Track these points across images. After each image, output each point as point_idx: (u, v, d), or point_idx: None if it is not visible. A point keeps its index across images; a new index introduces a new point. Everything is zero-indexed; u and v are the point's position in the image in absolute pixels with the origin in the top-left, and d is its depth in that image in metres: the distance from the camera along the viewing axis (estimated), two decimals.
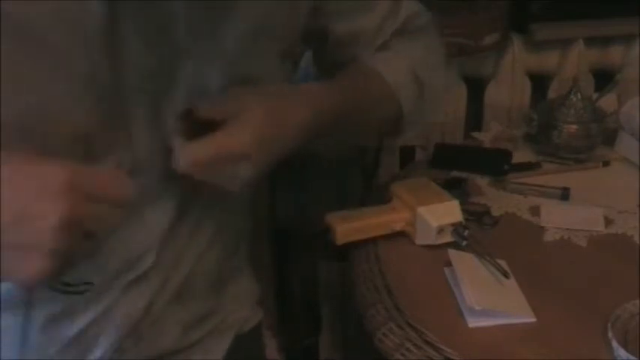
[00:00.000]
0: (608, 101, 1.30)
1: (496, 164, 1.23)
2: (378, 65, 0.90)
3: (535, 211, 1.12)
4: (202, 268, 0.81)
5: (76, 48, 0.63)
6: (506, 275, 0.94)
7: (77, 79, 0.64)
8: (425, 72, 0.93)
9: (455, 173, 1.21)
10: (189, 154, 0.69)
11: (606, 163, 1.25)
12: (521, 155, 1.27)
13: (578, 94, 1.26)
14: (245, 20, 0.72)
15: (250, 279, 0.96)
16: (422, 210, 1.00)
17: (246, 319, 0.93)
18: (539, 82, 1.58)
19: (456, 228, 1.00)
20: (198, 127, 0.70)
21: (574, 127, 1.25)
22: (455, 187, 1.12)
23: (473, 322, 0.89)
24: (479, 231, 1.05)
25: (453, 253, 0.98)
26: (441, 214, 1.00)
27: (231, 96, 0.72)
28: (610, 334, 0.82)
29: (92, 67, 0.64)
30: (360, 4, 0.88)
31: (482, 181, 1.20)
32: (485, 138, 1.35)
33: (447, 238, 1.00)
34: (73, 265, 0.56)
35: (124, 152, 0.70)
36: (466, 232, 0.99)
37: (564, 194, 1.15)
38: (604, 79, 1.50)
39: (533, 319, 0.89)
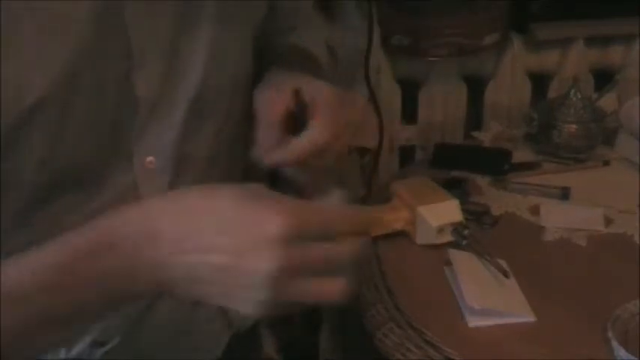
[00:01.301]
0: (608, 101, 1.30)
1: (496, 164, 1.23)
2: (313, 49, 0.92)
3: (535, 210, 1.12)
4: None
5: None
6: (506, 275, 0.94)
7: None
8: (330, 43, 0.97)
9: (455, 173, 1.21)
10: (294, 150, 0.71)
11: (606, 163, 1.25)
12: (521, 155, 1.27)
13: (578, 94, 1.26)
14: None
15: None
16: (422, 210, 1.00)
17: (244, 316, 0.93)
18: (539, 81, 1.59)
19: (456, 227, 1.00)
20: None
21: (574, 126, 1.25)
22: (455, 187, 1.13)
23: (473, 322, 0.89)
24: (479, 230, 1.05)
25: (453, 253, 0.98)
26: (441, 213, 1.00)
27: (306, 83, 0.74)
28: (610, 334, 0.82)
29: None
30: None
31: (482, 181, 1.20)
32: (485, 138, 1.35)
33: (447, 237, 1.00)
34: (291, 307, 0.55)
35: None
36: (466, 232, 0.99)
37: (564, 194, 1.15)
38: (604, 78, 1.51)
39: (533, 319, 0.89)
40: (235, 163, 0.83)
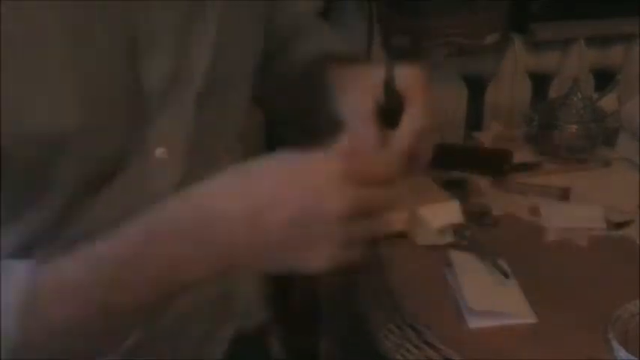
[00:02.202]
0: (608, 101, 1.29)
1: (496, 164, 1.23)
2: (334, 49, 0.90)
3: (535, 211, 1.12)
4: None
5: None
6: (506, 275, 0.94)
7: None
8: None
9: (455, 173, 1.21)
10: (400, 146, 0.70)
11: (607, 163, 1.25)
12: (521, 155, 1.27)
13: (579, 94, 1.26)
14: None
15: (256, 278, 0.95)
16: (422, 210, 1.00)
17: (249, 312, 0.92)
18: (540, 82, 1.58)
19: (457, 228, 1.00)
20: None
21: (574, 127, 1.25)
22: (455, 188, 1.12)
23: (473, 323, 0.89)
24: (479, 231, 1.05)
25: (453, 254, 0.98)
26: (442, 214, 1.00)
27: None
28: (610, 334, 0.82)
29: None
30: None
31: (482, 182, 1.20)
32: (485, 138, 1.35)
33: (448, 238, 1.00)
34: (361, 251, 0.57)
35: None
36: (466, 233, 0.99)
37: (565, 194, 1.15)
38: (604, 78, 1.50)
39: (534, 320, 0.89)
40: (249, 153, 0.83)
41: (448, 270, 0.97)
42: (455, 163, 1.24)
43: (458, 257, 0.98)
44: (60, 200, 0.65)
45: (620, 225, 1.07)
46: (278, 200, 0.55)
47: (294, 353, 1.14)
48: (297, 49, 0.90)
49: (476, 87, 1.57)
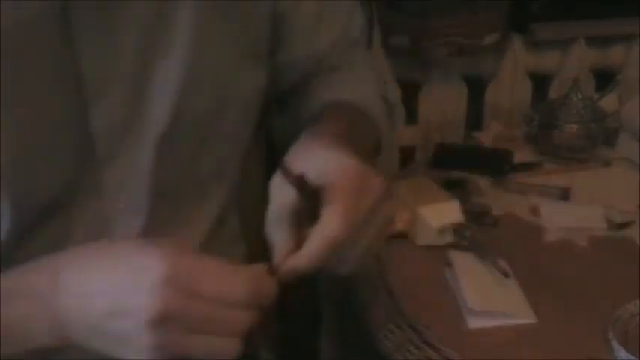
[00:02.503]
0: (608, 101, 1.29)
1: (497, 164, 1.23)
2: (354, 98, 0.82)
3: (535, 211, 1.12)
4: None
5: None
6: (506, 275, 0.94)
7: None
8: (388, 92, 0.88)
9: (455, 173, 1.21)
10: (301, 264, 0.59)
11: (607, 163, 1.25)
12: (521, 155, 1.27)
13: (579, 94, 1.25)
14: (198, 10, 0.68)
15: None
16: (422, 210, 1.00)
17: None
18: (540, 82, 1.58)
19: (457, 228, 1.00)
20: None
21: (574, 127, 1.24)
22: (455, 188, 1.12)
23: (473, 323, 0.89)
24: (479, 231, 1.05)
25: (453, 254, 0.98)
26: (442, 214, 1.00)
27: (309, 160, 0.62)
28: (610, 334, 0.82)
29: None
30: (309, 24, 0.81)
31: (482, 182, 1.20)
32: (485, 138, 1.35)
33: (448, 238, 1.00)
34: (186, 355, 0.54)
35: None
36: (466, 233, 0.99)
37: (565, 194, 1.15)
38: (605, 78, 1.50)
39: (534, 320, 0.89)
40: (223, 188, 0.78)
41: (448, 270, 0.97)
42: (455, 163, 1.24)
43: (458, 257, 0.98)
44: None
45: (620, 225, 1.07)
46: (104, 288, 0.54)
47: (294, 353, 1.14)
48: (312, 92, 0.83)
49: (476, 87, 1.57)
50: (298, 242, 0.60)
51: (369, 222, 0.60)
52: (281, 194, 0.61)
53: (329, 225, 0.58)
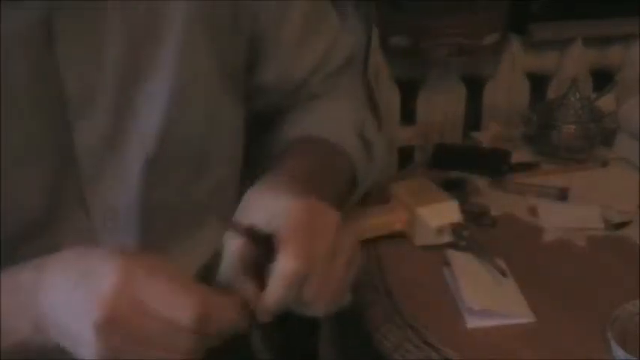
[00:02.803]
0: (606, 101, 1.30)
1: (495, 164, 1.23)
2: (325, 133, 0.79)
3: (534, 211, 1.12)
4: None
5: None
6: (504, 275, 0.94)
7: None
8: (366, 128, 0.84)
9: (454, 173, 1.21)
10: (268, 304, 0.59)
11: (605, 163, 1.25)
12: (520, 155, 1.27)
13: (577, 94, 1.26)
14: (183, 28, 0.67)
15: None
16: (421, 210, 1.00)
17: None
18: (538, 82, 1.58)
19: (455, 228, 1.00)
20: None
21: (573, 127, 1.25)
22: (454, 188, 1.12)
23: (472, 323, 0.89)
24: (478, 231, 1.05)
25: (451, 254, 0.98)
26: (440, 214, 1.00)
27: (257, 207, 0.62)
28: (609, 334, 0.82)
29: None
30: (288, 49, 0.78)
31: (481, 182, 1.20)
32: (484, 138, 1.35)
33: (446, 238, 1.00)
34: None
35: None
36: (465, 233, 0.99)
37: (563, 194, 1.15)
38: (603, 79, 1.51)
39: (532, 320, 0.89)
40: (213, 206, 0.77)
41: (447, 270, 0.97)
42: (453, 163, 1.24)
43: (456, 257, 0.98)
44: None
45: (618, 225, 1.08)
46: (68, 290, 0.55)
47: (292, 354, 1.14)
48: (283, 127, 0.81)
49: (474, 87, 1.57)
50: (261, 288, 0.59)
51: (333, 257, 0.60)
52: (234, 245, 0.61)
53: (285, 263, 0.57)
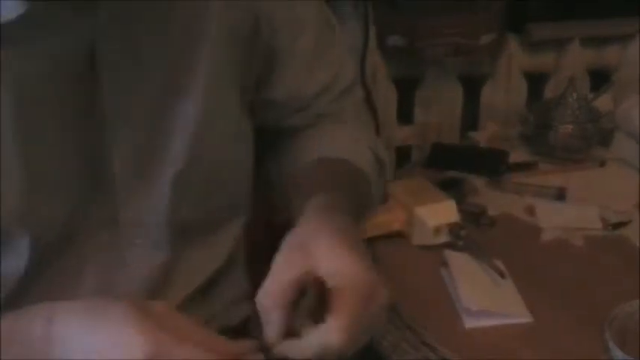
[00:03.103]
0: (603, 101, 1.30)
1: (492, 164, 1.23)
2: (345, 154, 0.79)
3: (531, 211, 1.12)
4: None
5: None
6: (502, 275, 0.94)
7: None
8: (378, 148, 0.84)
9: (451, 173, 1.21)
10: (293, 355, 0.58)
11: (602, 163, 1.25)
12: (517, 155, 1.27)
13: (574, 94, 1.26)
14: (209, 66, 0.68)
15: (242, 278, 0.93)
16: (419, 210, 1.00)
17: (231, 306, 0.90)
18: (536, 81, 1.58)
19: (453, 228, 1.00)
20: None
21: (570, 127, 1.25)
22: (451, 188, 1.13)
23: (470, 323, 0.89)
24: (475, 231, 1.05)
25: (449, 254, 0.98)
26: (438, 214, 1.00)
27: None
28: (607, 335, 0.82)
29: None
30: (302, 66, 0.78)
31: (478, 182, 1.20)
32: (481, 138, 1.35)
33: (444, 238, 1.00)
34: None
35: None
36: (462, 233, 0.99)
37: (561, 194, 1.15)
38: (600, 79, 1.51)
39: (530, 320, 0.89)
40: (238, 222, 0.78)
41: (444, 270, 0.97)
42: (451, 163, 1.24)
43: (454, 257, 0.98)
44: (15, 274, 0.64)
45: (615, 225, 1.08)
46: (87, 350, 0.55)
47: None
48: (296, 148, 0.81)
49: (472, 87, 1.56)
50: (290, 325, 0.58)
51: (367, 330, 0.59)
52: (284, 271, 0.59)
53: (330, 336, 0.56)
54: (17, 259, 0.63)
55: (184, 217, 0.71)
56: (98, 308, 0.57)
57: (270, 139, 0.82)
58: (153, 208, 0.69)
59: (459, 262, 0.97)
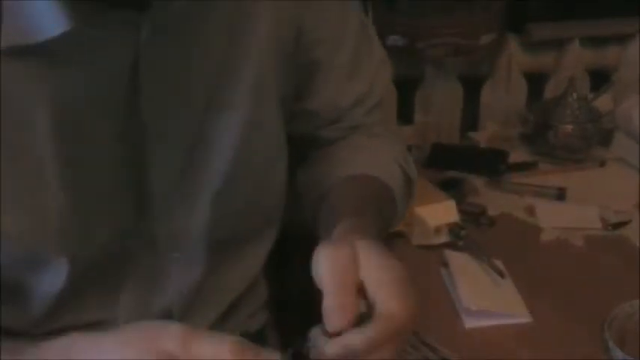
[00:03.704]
0: (603, 101, 1.30)
1: (492, 164, 1.23)
2: (376, 171, 0.78)
3: (531, 211, 1.12)
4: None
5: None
6: (502, 275, 0.94)
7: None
8: (408, 165, 0.83)
9: (451, 173, 1.21)
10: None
11: (602, 163, 1.25)
12: (517, 155, 1.27)
13: (574, 94, 1.26)
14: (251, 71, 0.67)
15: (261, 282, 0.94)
16: (419, 210, 1.00)
17: (252, 315, 0.91)
18: (536, 81, 1.58)
19: (453, 228, 1.00)
20: None
21: (570, 127, 1.25)
22: (451, 187, 1.13)
23: (469, 323, 0.89)
24: (475, 231, 1.05)
25: (449, 254, 0.98)
26: (438, 214, 1.00)
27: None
28: (607, 335, 0.82)
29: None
30: (340, 78, 0.78)
31: (478, 182, 1.20)
32: (481, 138, 1.35)
33: (444, 238, 1.00)
34: None
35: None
36: (462, 232, 0.99)
37: (560, 194, 1.15)
38: (600, 79, 1.51)
39: (530, 320, 0.89)
40: (270, 236, 0.78)
41: (444, 270, 0.97)
42: (451, 163, 1.24)
43: (454, 257, 0.98)
44: (52, 292, 0.64)
45: (615, 225, 1.08)
46: None
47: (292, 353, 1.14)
48: (332, 159, 0.79)
49: (472, 87, 1.56)
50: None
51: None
52: (344, 275, 0.58)
53: (373, 335, 0.56)
54: (55, 278, 0.63)
55: (222, 234, 0.70)
56: (115, 344, 0.55)
57: (300, 150, 0.81)
58: (192, 226, 0.68)
59: (459, 262, 0.97)
